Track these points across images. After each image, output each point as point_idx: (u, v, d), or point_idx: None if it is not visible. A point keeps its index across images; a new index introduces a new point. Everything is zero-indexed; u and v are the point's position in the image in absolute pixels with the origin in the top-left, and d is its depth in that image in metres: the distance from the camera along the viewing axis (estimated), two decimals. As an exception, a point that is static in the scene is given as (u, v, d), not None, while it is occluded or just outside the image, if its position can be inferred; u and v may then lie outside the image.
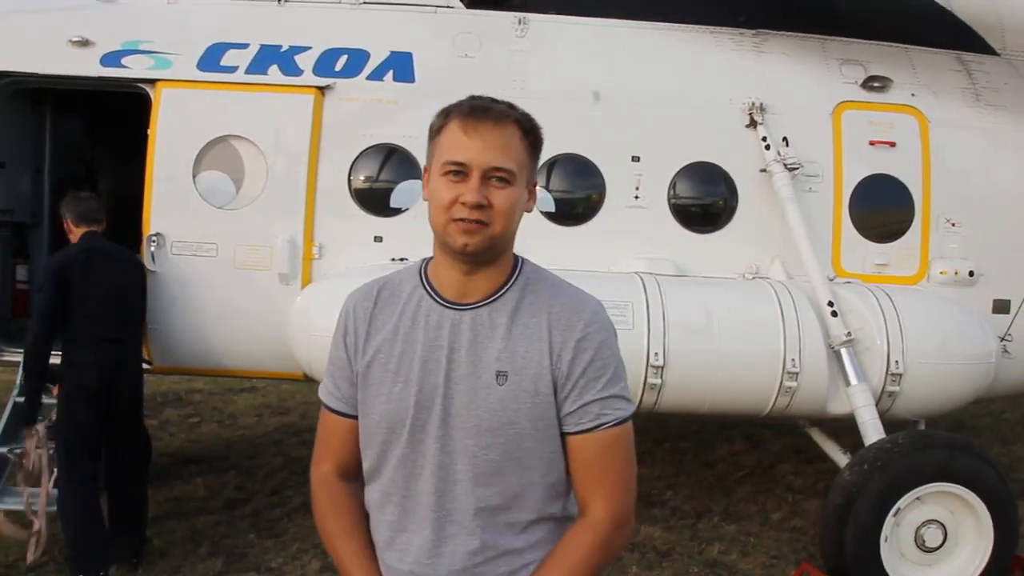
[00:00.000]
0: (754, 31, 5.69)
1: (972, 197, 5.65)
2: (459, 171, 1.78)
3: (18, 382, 5.39)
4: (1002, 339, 5.51)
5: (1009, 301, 5.68)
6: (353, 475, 2.00)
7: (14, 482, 5.19)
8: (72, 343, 4.82)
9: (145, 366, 5.37)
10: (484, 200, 1.77)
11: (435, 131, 1.85)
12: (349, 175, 5.40)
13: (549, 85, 5.48)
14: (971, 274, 5.59)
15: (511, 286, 1.89)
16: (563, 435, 1.87)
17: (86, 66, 5.41)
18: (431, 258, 1.95)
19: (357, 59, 5.46)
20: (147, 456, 5.75)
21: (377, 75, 5.43)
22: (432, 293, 1.89)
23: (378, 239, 5.37)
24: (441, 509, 1.85)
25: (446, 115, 1.84)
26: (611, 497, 1.87)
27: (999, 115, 5.74)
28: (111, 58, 5.44)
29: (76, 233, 4.97)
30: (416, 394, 1.84)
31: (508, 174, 1.80)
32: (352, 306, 1.96)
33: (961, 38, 5.88)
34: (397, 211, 5.41)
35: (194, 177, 5.34)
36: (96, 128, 6.92)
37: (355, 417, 1.95)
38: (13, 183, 5.92)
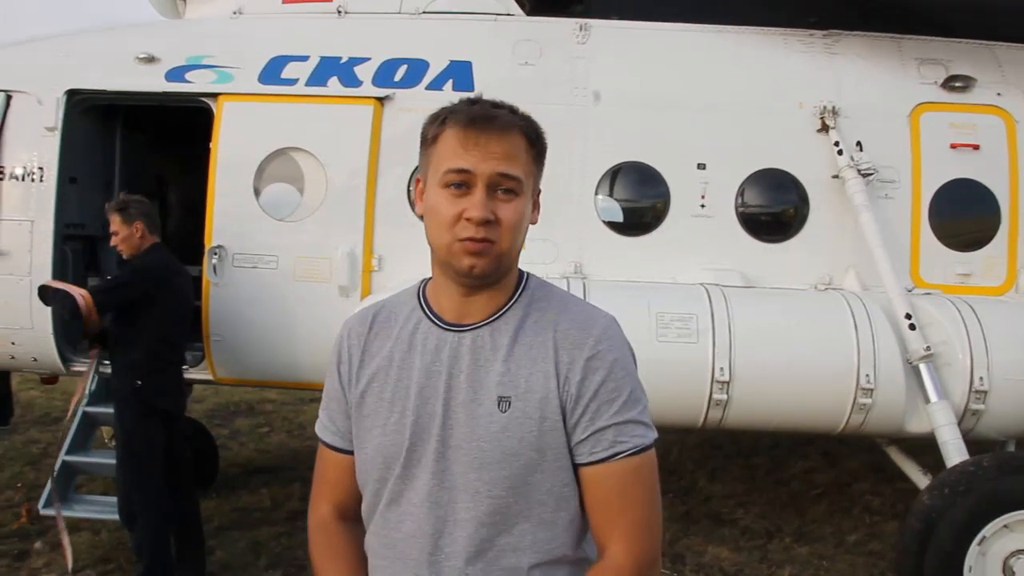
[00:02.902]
0: (825, 32, 5.44)
1: (1066, 201, 5.31)
2: (461, 182, 1.62)
3: (87, 391, 5.51)
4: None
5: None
6: (353, 516, 1.85)
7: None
8: (147, 362, 4.77)
9: (205, 377, 5.41)
10: (491, 215, 1.61)
11: (430, 139, 1.69)
12: (408, 186, 5.35)
13: (612, 92, 5.35)
14: (1064, 284, 5.26)
15: (514, 304, 1.74)
16: (575, 466, 1.69)
17: (152, 81, 5.49)
18: (430, 278, 1.81)
19: (416, 69, 5.41)
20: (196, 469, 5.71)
21: (436, 85, 5.37)
22: (430, 315, 1.75)
23: (436, 250, 5.28)
24: (438, 553, 1.66)
25: (442, 121, 1.67)
26: (632, 537, 1.67)
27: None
28: (175, 73, 5.50)
29: (146, 241, 4.92)
30: (412, 424, 1.68)
31: (516, 183, 1.64)
32: (347, 332, 1.82)
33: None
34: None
35: (255, 189, 5.36)
36: (164, 142, 7.04)
37: (351, 452, 1.81)
38: (85, 197, 6.03)
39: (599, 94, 5.32)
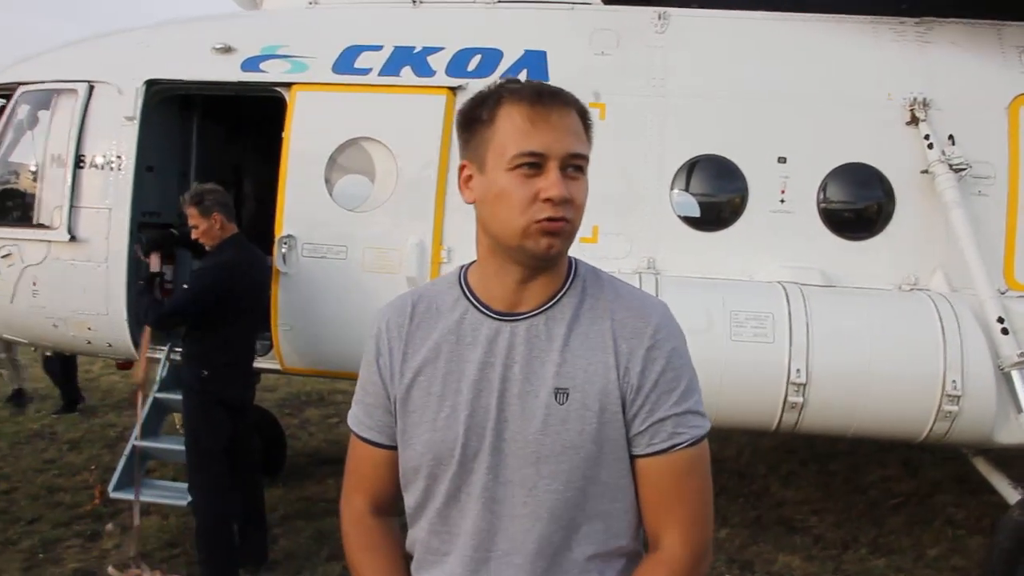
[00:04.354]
0: (918, 19, 5.18)
1: None
2: (535, 163, 1.55)
3: (159, 377, 5.59)
4: None
5: None
6: (389, 509, 1.81)
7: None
8: (219, 353, 4.81)
9: (273, 366, 5.45)
10: (568, 194, 1.55)
11: (485, 120, 1.60)
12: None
13: (690, 83, 5.20)
14: None
15: (568, 290, 1.67)
16: (632, 458, 1.64)
17: (228, 71, 5.53)
18: (469, 265, 1.74)
19: (490, 59, 5.33)
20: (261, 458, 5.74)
21: (510, 74, 5.29)
22: (478, 304, 1.67)
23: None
24: (495, 550, 1.62)
25: (497, 100, 1.60)
26: (687, 528, 1.64)
27: None
28: (251, 63, 5.53)
29: (226, 231, 4.93)
30: (466, 419, 1.62)
31: (584, 161, 1.60)
32: (384, 323, 1.73)
33: None
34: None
35: (326, 179, 5.35)
36: (241, 132, 7.11)
37: (389, 447, 1.75)
38: (162, 186, 6.12)
39: (677, 85, 5.16)
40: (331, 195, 5.36)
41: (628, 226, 5.16)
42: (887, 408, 4.53)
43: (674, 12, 5.32)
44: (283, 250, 5.32)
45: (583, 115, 1.63)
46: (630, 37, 5.30)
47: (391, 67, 5.37)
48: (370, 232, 5.31)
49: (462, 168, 1.68)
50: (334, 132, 5.38)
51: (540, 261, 1.60)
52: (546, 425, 1.59)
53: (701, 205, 5.22)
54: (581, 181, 1.59)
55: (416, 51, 5.38)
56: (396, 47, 5.40)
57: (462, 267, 1.76)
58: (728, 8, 5.30)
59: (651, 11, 5.34)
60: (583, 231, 5.55)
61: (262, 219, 5.81)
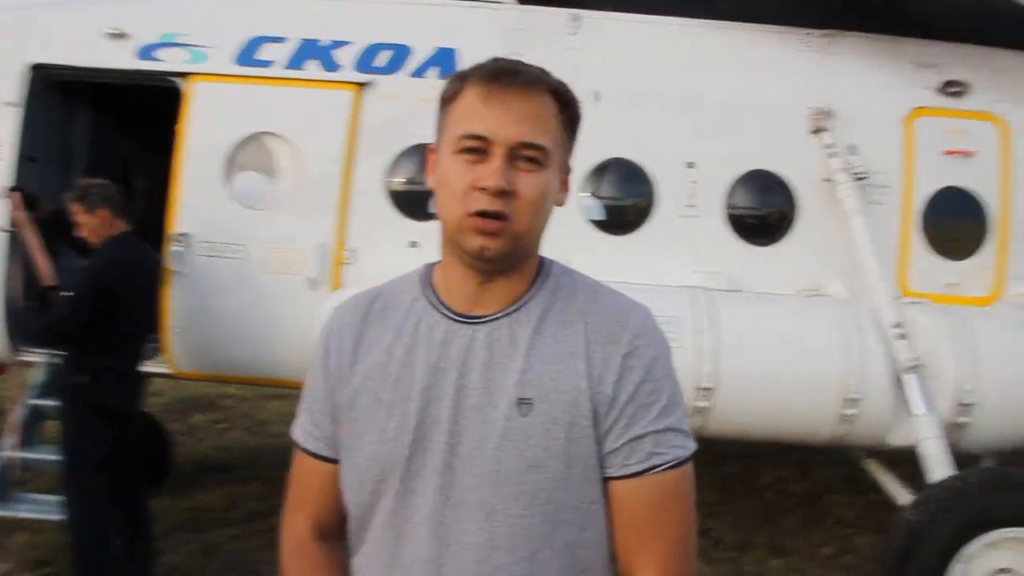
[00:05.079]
0: (823, 31, 5.30)
1: (1055, 213, 5.22)
2: (477, 147, 1.39)
3: (36, 382, 5.25)
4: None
5: (1091, 327, 5.23)
6: (334, 533, 1.61)
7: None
8: (100, 357, 4.51)
9: (162, 370, 5.18)
10: (508, 185, 1.38)
11: (446, 99, 1.47)
12: (386, 176, 5.15)
13: (604, 86, 5.17)
14: (1052, 297, 5.16)
15: (536, 292, 1.50)
16: (605, 480, 1.45)
17: (122, 58, 5.24)
18: (437, 262, 1.57)
19: (399, 55, 5.20)
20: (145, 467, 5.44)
21: (420, 72, 5.17)
22: (437, 304, 1.51)
23: (413, 244, 5.10)
24: None
25: (461, 80, 1.45)
26: (667, 563, 1.46)
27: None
28: (147, 51, 5.26)
29: (115, 228, 4.65)
30: (414, 430, 1.44)
31: (540, 153, 1.41)
32: (336, 323, 1.58)
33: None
34: (434, 215, 5.14)
35: (224, 175, 5.12)
36: (133, 124, 6.77)
37: (336, 461, 1.57)
38: (45, 177, 5.76)
39: (590, 88, 5.14)
40: (230, 192, 5.13)
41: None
42: (791, 411, 4.60)
43: (587, 14, 5.30)
44: (177, 249, 5.05)
45: (562, 102, 1.47)
46: (543, 38, 5.24)
47: (296, 60, 5.19)
48: (270, 231, 5.10)
49: (430, 152, 1.55)
50: (234, 126, 5.15)
51: (477, 262, 1.44)
52: (505, 440, 1.42)
53: (610, 209, 5.22)
54: (535, 175, 1.41)
55: (322, 44, 5.21)
56: (302, 40, 5.21)
57: (428, 264, 1.60)
58: (641, 12, 5.32)
59: (564, 12, 5.30)
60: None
61: (153, 216, 5.53)
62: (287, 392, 9.09)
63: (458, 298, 1.50)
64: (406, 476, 1.45)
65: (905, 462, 4.90)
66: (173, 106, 5.23)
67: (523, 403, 1.42)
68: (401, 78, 5.17)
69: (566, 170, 1.53)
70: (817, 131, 5.12)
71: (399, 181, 5.18)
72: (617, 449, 1.44)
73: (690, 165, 5.13)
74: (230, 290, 5.08)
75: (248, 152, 5.17)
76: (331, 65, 5.19)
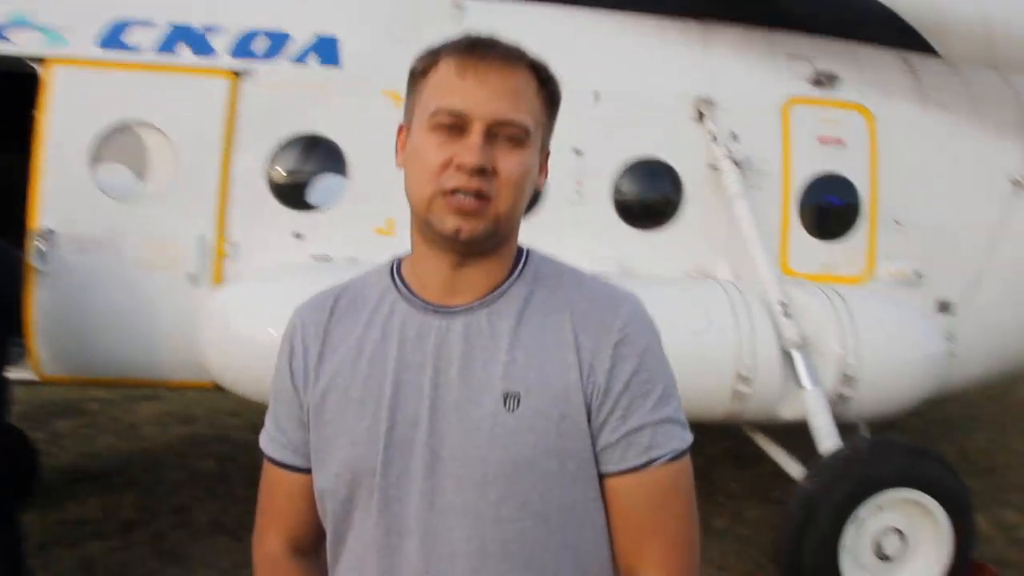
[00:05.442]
0: (701, 21, 5.44)
1: (917, 197, 5.53)
2: (454, 124, 1.31)
3: None
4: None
5: (951, 302, 5.58)
6: (310, 548, 1.52)
7: None
8: None
9: (28, 376, 4.79)
10: (488, 163, 1.30)
11: (418, 74, 1.39)
12: (267, 167, 4.94)
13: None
14: (916, 274, 5.47)
15: (516, 279, 1.42)
16: (600, 476, 1.38)
17: (-35, 41, 4.82)
18: (405, 255, 1.49)
19: (277, 42, 5.00)
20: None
21: (300, 59, 4.99)
22: (408, 295, 1.42)
23: (298, 236, 4.91)
24: None
25: (435, 54, 1.37)
26: (670, 561, 1.39)
27: (944, 116, 5.64)
28: (-5, 32, 4.85)
29: None
30: (387, 432, 1.34)
31: (521, 131, 1.33)
32: (299, 321, 1.48)
33: (905, 39, 5.75)
34: (319, 207, 4.98)
35: (91, 167, 4.79)
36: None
37: (308, 471, 1.46)
38: None
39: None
40: (98, 184, 4.80)
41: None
42: (688, 392, 4.58)
43: (470, 2, 5.25)
44: (40, 246, 4.68)
45: (542, 78, 1.39)
46: (427, 25, 5.14)
47: (167, 44, 4.90)
48: (144, 225, 4.80)
49: (399, 131, 1.45)
50: (101, 114, 4.81)
51: (452, 244, 1.35)
52: (493, 438, 1.32)
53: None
54: (518, 155, 1.33)
55: (195, 29, 4.95)
56: (173, 23, 4.93)
57: (396, 257, 1.51)
58: (523, 1, 5.31)
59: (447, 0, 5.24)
60: (377, 221, 5.36)
61: (8, 211, 5.11)
62: (157, 393, 8.69)
63: (431, 287, 1.41)
64: (384, 483, 1.35)
65: (787, 434, 5.08)
66: (26, 93, 4.86)
67: (509, 397, 1.33)
68: (281, 65, 4.98)
69: (545, 152, 1.46)
70: (700, 118, 5.24)
71: (281, 171, 4.99)
72: (613, 443, 1.37)
73: (578, 153, 5.14)
74: (101, 288, 4.75)
75: (117, 142, 4.84)
76: (205, 50, 4.93)
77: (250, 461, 6.69)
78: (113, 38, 4.88)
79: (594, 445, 1.37)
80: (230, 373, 4.52)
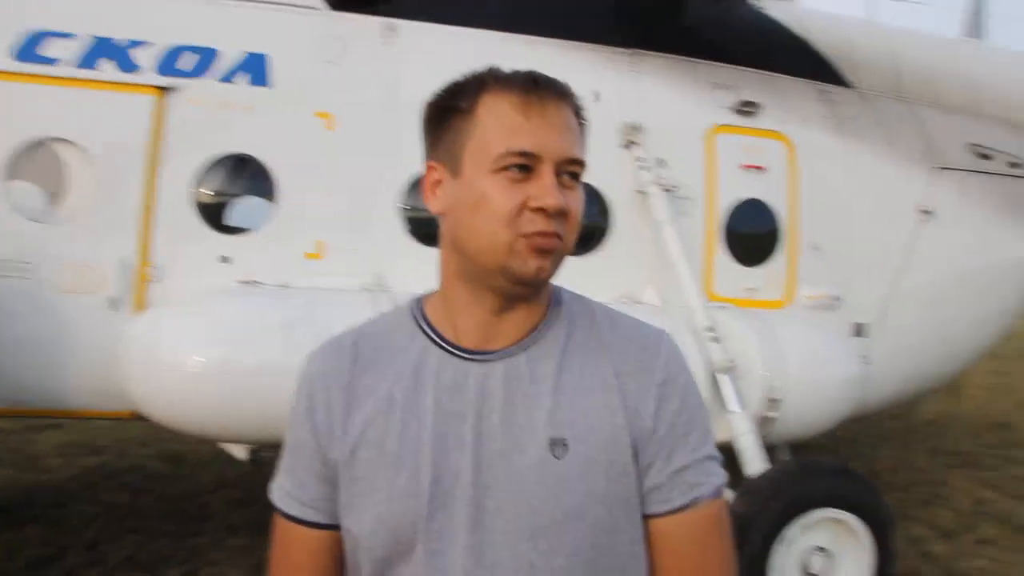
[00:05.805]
0: (630, 51, 5.54)
1: (834, 224, 5.75)
2: (523, 165, 1.27)
3: None
4: (861, 362, 5.59)
5: (865, 325, 5.81)
6: None
7: None
8: None
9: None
10: (565, 204, 1.27)
11: (460, 111, 1.32)
12: (193, 187, 4.81)
13: (420, 97, 5.08)
14: (834, 298, 5.67)
15: (553, 320, 1.39)
16: (644, 517, 1.37)
17: None
18: (423, 296, 1.45)
19: (205, 58, 4.87)
20: None
21: (228, 77, 4.87)
22: (440, 341, 1.37)
23: (225, 260, 4.79)
24: None
25: (478, 86, 1.32)
26: None
27: (858, 145, 5.89)
28: None
29: None
30: (431, 486, 1.30)
31: (581, 168, 1.32)
32: (319, 370, 1.40)
33: (820, 70, 6.00)
34: (247, 229, 4.87)
35: (4, 184, 4.57)
36: None
37: (330, 527, 1.40)
38: None
39: (408, 98, 5.06)
40: (11, 204, 4.58)
41: (356, 242, 4.96)
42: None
43: (402, 24, 5.23)
44: (-52, 268, 4.45)
45: (578, 113, 1.35)
46: (359, 46, 5.12)
47: (88, 58, 4.72)
48: (62, 247, 4.61)
49: (430, 170, 1.38)
50: (15, 130, 4.61)
51: (525, 287, 1.31)
52: (542, 487, 1.28)
53: (429, 221, 5.16)
54: (577, 192, 1.32)
55: (119, 43, 4.78)
56: (95, 36, 4.76)
57: (417, 297, 1.45)
58: (456, 24, 5.31)
59: (379, 21, 5.20)
60: (306, 246, 5.28)
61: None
62: (59, 421, 8.29)
63: (467, 333, 1.36)
64: (427, 539, 1.30)
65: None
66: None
67: (556, 444, 1.30)
68: (208, 82, 4.86)
69: None
70: (628, 145, 5.33)
71: (208, 192, 4.86)
72: (660, 484, 1.35)
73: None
74: (14, 313, 4.52)
75: (33, 159, 4.64)
76: (129, 66, 4.77)
77: (165, 491, 6.47)
78: (29, 50, 4.68)
79: (640, 488, 1.36)
80: (154, 402, 4.37)
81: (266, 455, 4.66)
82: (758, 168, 5.58)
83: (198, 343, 4.29)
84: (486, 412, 1.32)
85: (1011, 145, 6.58)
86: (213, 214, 4.86)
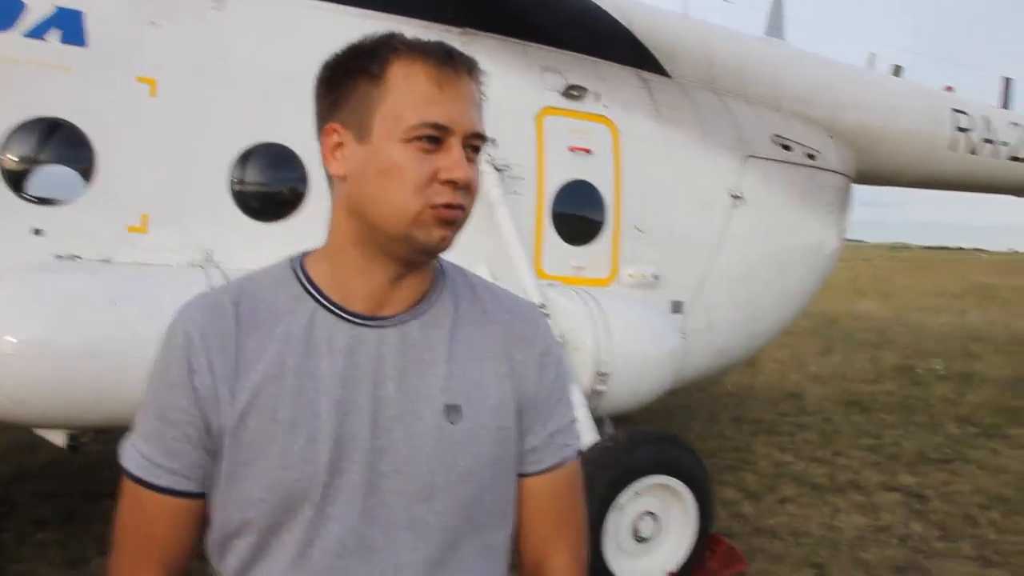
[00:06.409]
0: (461, 29, 5.56)
1: (654, 205, 6.04)
2: (436, 137, 1.28)
3: None
4: (679, 337, 5.91)
5: (682, 302, 6.15)
6: None
7: None
8: None
9: None
10: (472, 178, 1.31)
11: (369, 75, 1.30)
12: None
13: (250, 67, 4.92)
14: (655, 277, 5.96)
15: (440, 290, 1.43)
16: (521, 475, 1.45)
17: None
18: (306, 254, 1.42)
19: (9, 11, 4.47)
20: None
21: (38, 33, 4.50)
22: (330, 304, 1.35)
23: (38, 232, 4.43)
24: None
25: (389, 52, 1.30)
26: (577, 548, 1.51)
27: (675, 132, 6.20)
28: None
29: None
30: (331, 450, 1.29)
31: (483, 142, 1.37)
32: (198, 329, 1.32)
33: (641, 58, 6.27)
34: (63, 200, 4.53)
35: None
36: None
37: (197, 495, 1.35)
38: None
39: (238, 67, 4.87)
40: None
41: (183, 216, 4.72)
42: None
43: (233, -11, 5.00)
44: None
45: (479, 87, 1.39)
46: (185, 9, 4.85)
47: None
48: None
49: (331, 132, 1.35)
50: None
51: (426, 255, 1.34)
52: (438, 451, 1.33)
53: (260, 195, 4.99)
54: (476, 165, 1.36)
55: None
56: None
57: (297, 257, 1.41)
58: (288, -6, 5.15)
59: (206, -15, 4.95)
60: (130, 219, 4.99)
61: None
62: None
63: (359, 298, 1.36)
64: (322, 503, 1.29)
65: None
66: None
67: (451, 410, 1.35)
68: (13, 37, 4.46)
69: None
70: (462, 124, 5.36)
71: (16, 158, 4.47)
72: (536, 447, 1.45)
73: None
74: None
75: None
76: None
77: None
78: None
79: (519, 449, 1.44)
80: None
81: (85, 441, 4.38)
82: (585, 151, 5.76)
83: (11, 322, 3.95)
84: (380, 378, 1.33)
85: (808, 138, 7.17)
86: (23, 182, 4.47)
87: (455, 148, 1.29)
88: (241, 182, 4.91)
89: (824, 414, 9.42)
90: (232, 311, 1.34)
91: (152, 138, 4.67)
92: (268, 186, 5.06)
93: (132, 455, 1.35)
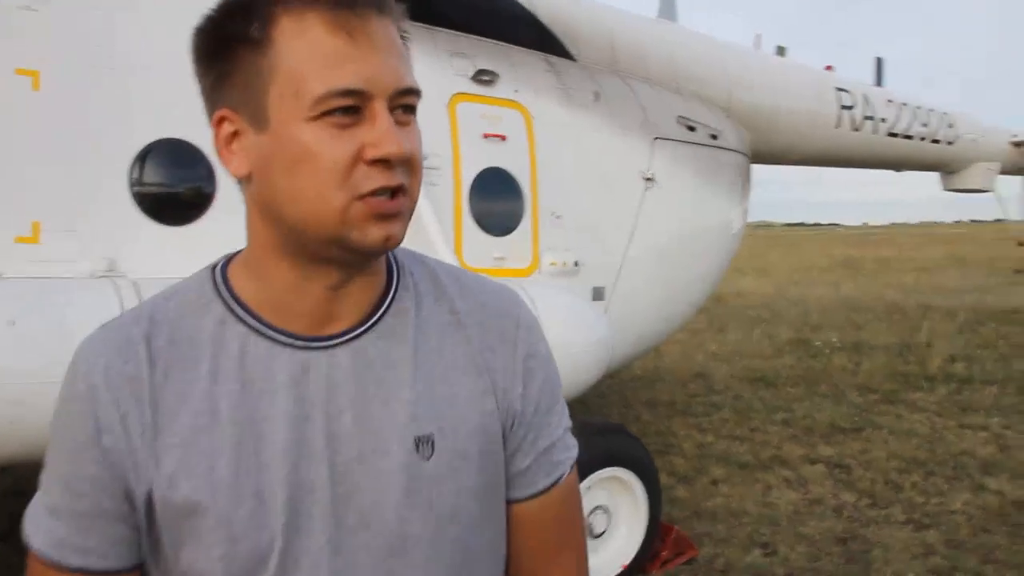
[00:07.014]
0: (364, 14, 5.31)
1: (571, 192, 5.93)
2: (353, 106, 0.99)
3: None
4: (602, 324, 5.82)
5: (603, 288, 6.08)
6: None
7: None
8: None
9: None
10: (409, 150, 1.02)
11: (250, 40, 1.00)
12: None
13: (145, 57, 4.53)
14: (575, 264, 5.86)
15: (396, 292, 1.16)
16: (510, 501, 1.23)
17: None
18: (228, 261, 1.16)
19: None
20: None
21: None
22: (265, 328, 1.09)
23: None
24: None
25: (270, 6, 0.99)
26: (580, 570, 1.31)
27: (585, 116, 6.11)
28: None
29: None
30: (286, 507, 1.05)
31: (417, 98, 1.07)
32: (102, 375, 1.05)
33: (546, 42, 6.16)
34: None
35: None
36: None
37: (121, 571, 1.08)
38: None
39: (126, 53, 4.48)
40: None
41: (78, 222, 4.31)
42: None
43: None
44: None
45: (400, 25, 1.06)
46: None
47: None
48: None
49: (221, 121, 1.06)
50: None
51: (366, 259, 1.08)
52: (410, 494, 1.09)
53: (164, 196, 4.61)
54: (414, 128, 1.06)
55: None
56: None
57: (217, 266, 1.15)
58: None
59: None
60: (18, 228, 4.57)
61: None
62: None
63: (297, 316, 1.10)
64: (280, 572, 1.05)
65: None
66: None
67: (422, 442, 1.10)
68: None
69: None
70: (373, 114, 5.12)
71: None
72: (526, 468, 1.23)
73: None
74: None
75: None
76: None
77: None
78: None
79: (506, 473, 1.22)
80: None
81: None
82: (500, 137, 5.60)
83: None
84: (334, 411, 1.09)
85: (709, 118, 7.22)
86: None
87: (380, 115, 1.00)
88: (142, 183, 4.52)
89: (733, 391, 9.59)
90: (144, 348, 1.07)
91: (38, 137, 4.24)
92: (172, 186, 4.69)
93: (37, 529, 1.08)
